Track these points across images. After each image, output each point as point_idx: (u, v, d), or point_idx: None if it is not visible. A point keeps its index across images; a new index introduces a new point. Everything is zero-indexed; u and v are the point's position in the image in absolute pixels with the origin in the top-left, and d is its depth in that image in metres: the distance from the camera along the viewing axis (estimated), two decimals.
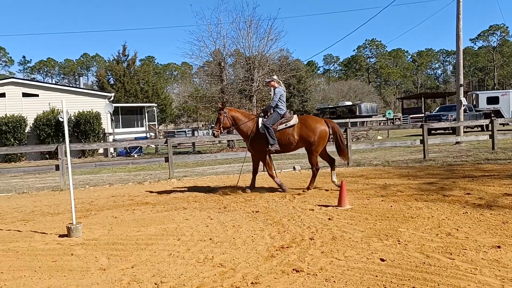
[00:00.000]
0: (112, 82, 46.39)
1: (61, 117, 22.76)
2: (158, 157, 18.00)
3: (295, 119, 8.67)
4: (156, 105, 37.84)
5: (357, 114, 46.81)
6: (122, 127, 30.55)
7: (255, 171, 9.13)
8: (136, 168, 16.01)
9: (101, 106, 25.40)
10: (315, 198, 7.80)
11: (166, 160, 12.24)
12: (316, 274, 3.90)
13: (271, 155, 9.04)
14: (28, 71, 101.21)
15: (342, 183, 6.99)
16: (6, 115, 23.08)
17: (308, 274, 3.92)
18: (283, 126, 8.59)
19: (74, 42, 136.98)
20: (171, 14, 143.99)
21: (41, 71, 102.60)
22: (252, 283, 3.77)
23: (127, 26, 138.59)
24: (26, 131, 23.61)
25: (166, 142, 12.52)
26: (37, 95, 24.84)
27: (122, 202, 8.54)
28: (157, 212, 7.21)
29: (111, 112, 26.18)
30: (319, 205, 7.07)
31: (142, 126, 32.71)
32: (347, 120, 34.92)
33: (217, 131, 8.77)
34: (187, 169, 15.03)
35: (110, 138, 25.78)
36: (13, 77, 30.29)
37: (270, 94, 8.90)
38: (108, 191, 10.15)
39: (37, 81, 39.44)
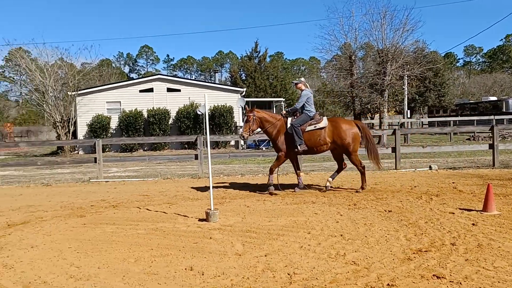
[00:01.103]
0: (243, 77, 48.61)
1: (199, 111, 24.55)
2: None
3: (324, 121, 8.63)
4: (284, 99, 38.60)
5: (504, 110, 41.80)
6: None
7: (297, 169, 9.07)
8: (265, 161, 16.52)
9: (234, 101, 26.75)
10: (455, 201, 7.17)
11: None
12: (460, 283, 3.58)
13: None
14: (170, 68, 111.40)
15: (488, 186, 6.30)
16: (153, 108, 25.74)
17: (451, 282, 3.62)
18: (312, 127, 8.56)
19: (211, 41, 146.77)
20: (301, 9, 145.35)
21: (182, 68, 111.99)
22: (388, 285, 3.61)
23: (259, 23, 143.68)
24: (169, 122, 26.04)
25: None
26: (179, 90, 27.17)
27: (253, 192, 8.89)
28: (287, 205, 7.35)
29: (243, 106, 27.42)
30: (460, 209, 6.49)
31: None
32: (491, 117, 31.48)
33: (246, 133, 8.79)
34: (314, 163, 15.05)
35: (241, 131, 27.05)
36: (159, 74, 33.68)
37: (298, 95, 8.83)
38: (240, 181, 10.66)
39: (179, 77, 43.13)
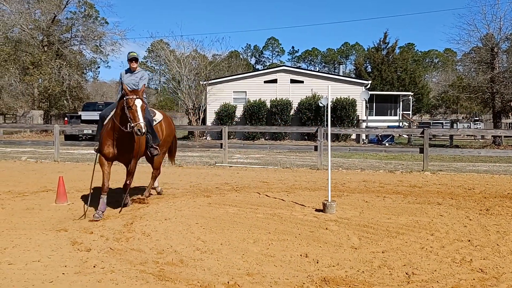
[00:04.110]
0: (369, 70, 47.11)
1: (321, 103, 24.52)
2: (411, 147, 17.44)
3: (159, 114, 7.17)
4: (412, 94, 36.52)
5: None
6: (375, 115, 30.79)
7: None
8: (387, 157, 15.91)
9: (357, 93, 26.12)
10: None
11: (421, 151, 11.73)
12: None
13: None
14: (295, 60, 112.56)
15: None
16: (276, 98, 26.42)
17: None
18: (154, 122, 6.71)
19: (337, 32, 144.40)
20: None
21: (306, 60, 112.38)
22: None
23: (389, 13, 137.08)
24: (291, 113, 26.51)
25: (422, 133, 11.98)
26: (302, 82, 27.43)
27: (373, 188, 8.66)
28: (408, 203, 7.02)
29: (366, 100, 26.66)
30: None
31: (395, 115, 32.20)
32: None
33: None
34: (443, 163, 14.04)
35: (363, 124, 26.37)
36: (283, 66, 34.36)
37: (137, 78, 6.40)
38: (360, 176, 10.44)
39: (303, 69, 43.44)
